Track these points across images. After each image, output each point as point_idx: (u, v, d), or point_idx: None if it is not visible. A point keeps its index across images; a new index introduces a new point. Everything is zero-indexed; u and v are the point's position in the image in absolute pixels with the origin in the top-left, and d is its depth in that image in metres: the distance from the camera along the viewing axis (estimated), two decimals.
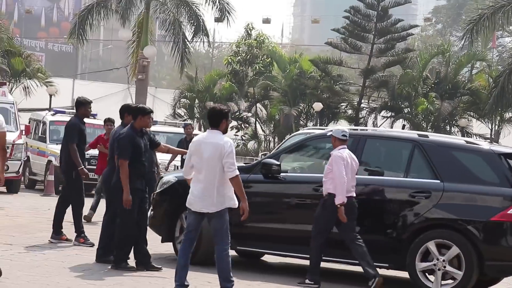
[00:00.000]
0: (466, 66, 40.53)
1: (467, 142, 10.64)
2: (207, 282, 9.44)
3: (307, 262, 10.26)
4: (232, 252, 11.31)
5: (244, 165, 12.32)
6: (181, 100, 40.51)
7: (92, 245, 11.50)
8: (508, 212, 9.61)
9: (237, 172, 8.43)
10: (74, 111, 12.47)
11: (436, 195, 9.96)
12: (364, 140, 10.79)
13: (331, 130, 10.61)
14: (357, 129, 12.70)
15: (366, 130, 12.11)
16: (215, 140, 8.54)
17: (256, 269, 10.88)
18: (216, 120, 8.68)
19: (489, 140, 13.27)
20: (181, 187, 10.05)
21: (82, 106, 12.00)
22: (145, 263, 10.09)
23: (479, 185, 9.88)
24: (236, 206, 8.58)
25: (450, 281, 9.83)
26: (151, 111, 10.50)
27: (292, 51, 51.87)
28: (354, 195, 10.01)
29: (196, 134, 15.13)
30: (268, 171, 10.73)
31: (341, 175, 9.81)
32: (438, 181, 10.05)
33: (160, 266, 10.08)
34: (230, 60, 42.21)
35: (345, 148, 10.12)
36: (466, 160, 10.13)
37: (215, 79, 41.19)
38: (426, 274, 9.87)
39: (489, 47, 45.11)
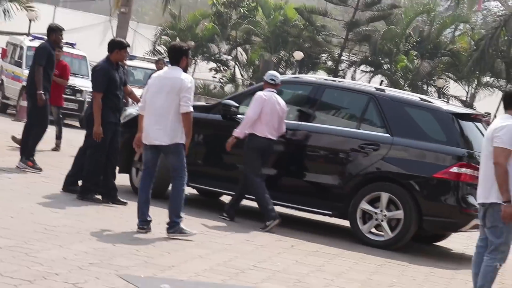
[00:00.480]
0: (449, 27, 40.44)
1: (421, 99, 10.69)
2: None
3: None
4: (191, 190, 11.51)
5: (205, 104, 12.38)
6: (162, 37, 40.23)
7: (40, 169, 11.57)
8: (451, 170, 9.72)
9: (191, 109, 8.48)
10: None
11: (384, 148, 10.05)
12: (322, 89, 10.85)
13: (298, 76, 10.76)
14: (316, 78, 12.73)
15: (326, 79, 12.10)
16: (174, 75, 8.57)
17: (213, 208, 10.97)
18: (176, 57, 8.70)
19: (445, 100, 13.32)
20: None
21: (53, 33, 11.97)
22: (111, 196, 10.11)
23: (427, 142, 9.96)
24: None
25: (381, 234, 9.99)
26: (128, 45, 10.51)
27: None
28: (273, 138, 10.18)
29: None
30: (227, 111, 10.78)
31: (251, 113, 10.07)
32: (388, 135, 10.13)
33: (125, 201, 10.09)
34: (215, 1, 41.84)
35: (272, 91, 10.26)
36: (418, 116, 10.21)
37: (198, 19, 40.89)
38: (364, 220, 10.00)
39: (475, 9, 44.89)
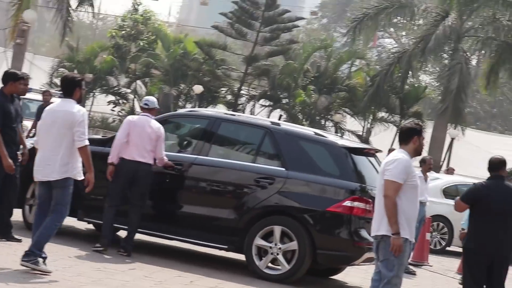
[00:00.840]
0: (346, 63, 41.37)
1: (315, 133, 10.87)
2: (67, 257, 9.38)
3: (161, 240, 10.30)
4: (84, 225, 11.34)
5: (101, 137, 12.29)
6: (60, 69, 39.67)
7: None
8: (344, 204, 9.91)
9: (87, 142, 8.37)
10: None
11: (280, 182, 10.18)
12: (219, 123, 10.93)
13: (195, 110, 10.90)
14: (213, 112, 12.82)
15: (222, 113, 12.21)
16: (66, 108, 8.43)
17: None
18: (69, 88, 8.56)
19: (339, 134, 13.61)
20: (35, 154, 9.90)
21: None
22: (5, 233, 9.86)
23: (321, 176, 10.15)
24: (82, 178, 8.51)
25: (278, 267, 10.10)
26: (22, 77, 10.11)
27: (178, 31, 51.72)
28: (144, 161, 10.30)
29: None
30: None
31: (117, 137, 10.38)
32: (283, 169, 10.28)
33: (20, 238, 9.83)
34: (114, 33, 41.63)
35: (145, 115, 10.55)
36: (312, 151, 10.39)
37: (96, 51, 40.57)
38: (260, 255, 10.08)
39: (370, 46, 46.21)
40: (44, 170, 8.41)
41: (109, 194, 10.34)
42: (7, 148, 9.81)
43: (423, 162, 13.90)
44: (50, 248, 9.54)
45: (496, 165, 8.78)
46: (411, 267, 13.23)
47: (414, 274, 13.20)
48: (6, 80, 9.98)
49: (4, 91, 9.94)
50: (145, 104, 10.67)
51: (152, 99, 10.80)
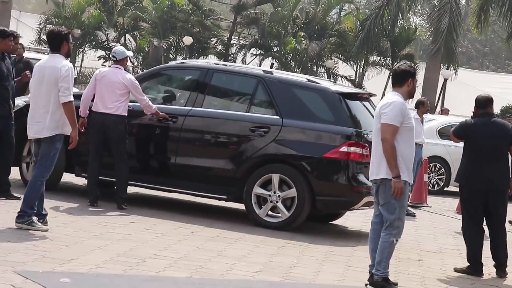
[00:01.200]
0: (335, 8, 41.16)
1: (308, 80, 10.82)
2: (68, 213, 9.41)
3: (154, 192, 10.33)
4: (83, 180, 11.37)
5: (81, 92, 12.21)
6: (47, 26, 39.37)
7: None
8: (340, 149, 9.92)
9: (71, 98, 8.24)
10: None
11: (275, 130, 10.18)
12: (211, 73, 10.88)
13: (185, 61, 10.85)
14: (205, 62, 12.76)
15: (214, 63, 12.14)
16: (52, 64, 8.33)
17: (110, 199, 10.84)
18: (56, 43, 8.44)
19: (332, 80, 13.57)
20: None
21: None
22: (4, 191, 9.86)
23: (316, 123, 10.14)
24: (69, 133, 8.47)
25: (278, 215, 10.16)
26: (12, 34, 10.11)
27: None
28: (107, 111, 10.16)
29: (30, 58, 14.91)
30: None
31: (85, 91, 10.41)
32: (278, 117, 10.26)
33: (19, 196, 9.78)
34: None
35: (116, 67, 10.38)
36: (306, 97, 10.36)
37: (83, 6, 40.23)
38: (259, 204, 10.13)
39: None
40: (35, 127, 8.37)
41: (89, 148, 10.34)
42: (1, 106, 9.77)
43: (420, 104, 13.90)
44: (50, 205, 9.62)
45: (483, 102, 8.94)
46: (410, 209, 13.31)
47: (414, 216, 13.30)
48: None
49: None
50: (113, 56, 10.57)
51: (120, 50, 10.65)
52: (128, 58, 10.66)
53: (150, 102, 10.40)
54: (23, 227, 8.14)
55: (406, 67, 7.54)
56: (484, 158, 8.70)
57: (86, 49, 40.82)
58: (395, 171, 7.20)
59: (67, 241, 7.84)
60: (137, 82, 10.40)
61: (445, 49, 30.81)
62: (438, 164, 17.85)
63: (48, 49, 8.71)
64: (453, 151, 16.82)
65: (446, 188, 18.03)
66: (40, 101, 8.36)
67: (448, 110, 23.85)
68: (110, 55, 10.53)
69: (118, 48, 10.87)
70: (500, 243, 8.81)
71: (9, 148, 10.05)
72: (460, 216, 12.97)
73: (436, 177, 17.95)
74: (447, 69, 33.82)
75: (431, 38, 34.19)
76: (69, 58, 8.60)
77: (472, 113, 9.57)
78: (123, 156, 10.30)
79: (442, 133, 18.12)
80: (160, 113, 10.46)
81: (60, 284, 6.17)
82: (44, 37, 38.49)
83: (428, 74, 33.77)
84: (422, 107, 13.87)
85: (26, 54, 21.09)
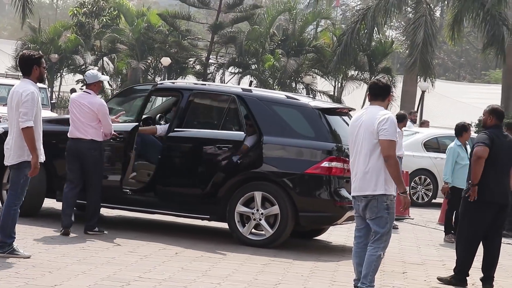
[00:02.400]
0: (311, 24, 41.35)
1: (287, 97, 10.85)
2: (50, 238, 9.34)
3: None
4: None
5: (60, 117, 12.19)
6: (24, 51, 39.26)
7: None
8: (322, 165, 9.94)
9: (28, 124, 8.01)
10: None
11: (256, 148, 10.18)
12: (189, 94, 10.86)
13: (157, 84, 10.92)
14: (183, 83, 12.77)
15: (193, 83, 12.16)
16: (17, 89, 8.18)
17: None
18: (26, 67, 8.24)
19: (311, 96, 13.63)
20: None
21: None
22: None
23: (296, 139, 10.15)
24: (44, 159, 8.35)
25: (262, 233, 10.16)
26: None
27: (140, 4, 51.27)
28: (82, 137, 9.92)
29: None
30: None
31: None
32: (258, 135, 10.26)
33: None
34: (75, 11, 41.24)
35: (85, 92, 10.17)
36: (286, 114, 10.38)
37: (59, 30, 40.22)
38: (243, 222, 10.12)
39: (334, 5, 46.17)
40: (6, 154, 8.29)
41: (66, 175, 10.14)
42: None
43: (403, 117, 14.01)
44: (31, 231, 9.60)
45: (502, 115, 8.86)
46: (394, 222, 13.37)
47: (397, 228, 13.34)
48: None
49: None
50: (85, 79, 10.45)
51: (91, 74, 10.37)
52: (100, 83, 10.34)
53: (111, 130, 10.17)
54: (5, 256, 8.07)
55: (387, 81, 7.53)
56: (502, 171, 8.66)
57: (64, 73, 40.74)
58: (402, 187, 7.19)
59: (50, 267, 7.79)
60: (105, 107, 10.10)
61: (421, 61, 31.00)
62: (424, 177, 17.92)
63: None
64: (439, 163, 16.89)
65: (434, 200, 18.09)
66: (11, 127, 8.31)
67: (428, 122, 23.98)
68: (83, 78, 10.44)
69: (91, 72, 10.61)
70: (496, 257, 8.80)
71: None
72: (442, 227, 13.09)
73: (423, 190, 18.01)
74: (424, 81, 34.02)
75: (407, 51, 34.42)
76: (46, 83, 8.54)
77: (478, 123, 9.54)
78: (95, 184, 10.03)
79: (428, 146, 18.23)
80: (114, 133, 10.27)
81: None
82: None
83: (405, 87, 33.96)
84: (405, 120, 14.03)
85: (3, 81, 21.03)
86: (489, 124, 8.83)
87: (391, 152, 7.14)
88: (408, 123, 22.90)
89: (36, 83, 8.29)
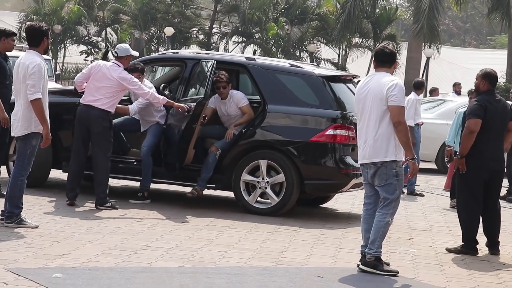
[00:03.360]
0: None
1: (291, 65, 10.82)
2: (58, 209, 9.39)
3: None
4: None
5: (65, 88, 12.15)
6: (27, 23, 39.16)
7: None
8: (327, 132, 9.95)
9: (37, 96, 8.03)
10: None
11: (260, 117, 10.19)
12: (193, 63, 10.82)
13: (165, 53, 10.81)
14: (186, 52, 12.74)
15: (198, 53, 12.12)
16: (23, 61, 8.19)
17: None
18: (36, 39, 8.25)
19: (315, 64, 13.58)
20: None
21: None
22: None
23: (301, 107, 10.15)
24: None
25: (268, 201, 10.19)
26: (14, 33, 9.99)
27: None
28: (93, 104, 9.76)
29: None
30: None
31: (78, 76, 10.09)
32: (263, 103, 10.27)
33: (4, 193, 9.74)
34: None
35: (114, 63, 9.94)
36: (290, 82, 10.35)
37: (62, 1, 40.10)
38: (248, 191, 10.16)
39: None
40: (13, 125, 8.32)
41: (73, 142, 10.03)
42: None
43: (421, 85, 14.00)
44: (38, 201, 9.65)
45: (495, 79, 8.74)
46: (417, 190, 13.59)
47: (423, 196, 13.45)
48: (2, 36, 9.70)
49: None
50: (115, 52, 10.22)
51: (123, 47, 10.23)
52: (131, 57, 10.13)
53: (156, 94, 10.10)
54: (13, 226, 8.13)
55: (392, 47, 7.50)
56: (496, 136, 8.58)
57: (67, 44, 40.67)
58: (411, 152, 7.20)
59: (58, 237, 7.84)
60: (135, 79, 9.94)
61: (427, 27, 30.88)
62: None
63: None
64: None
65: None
66: (17, 99, 8.32)
67: (438, 89, 23.80)
68: (114, 50, 10.22)
69: (123, 45, 10.38)
70: (497, 222, 8.79)
71: (3, 149, 9.99)
72: (448, 194, 13.11)
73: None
74: (429, 47, 33.89)
75: (412, 18, 34.23)
76: (50, 54, 8.51)
77: (472, 90, 9.35)
78: (102, 158, 9.85)
79: None
80: (177, 104, 10.11)
81: (52, 280, 6.17)
82: (24, 34, 38.31)
83: (410, 53, 33.83)
84: (423, 87, 14.04)
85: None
86: (482, 89, 8.67)
87: (401, 118, 7.14)
88: (452, 93, 22.83)
89: (42, 55, 8.31)
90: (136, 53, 10.55)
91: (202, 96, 10.16)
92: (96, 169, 9.88)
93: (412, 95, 13.68)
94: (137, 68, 10.38)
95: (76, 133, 10.01)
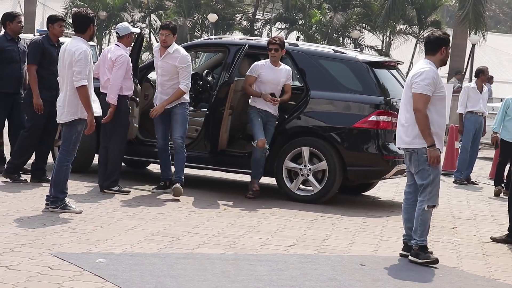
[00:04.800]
0: None
1: (334, 51, 10.75)
2: (101, 194, 9.48)
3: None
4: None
5: None
6: (73, 9, 39.48)
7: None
8: (370, 119, 9.88)
9: (83, 83, 8.10)
10: None
11: (303, 103, 10.14)
12: (237, 49, 10.80)
13: (209, 38, 10.78)
14: (229, 38, 12.72)
15: (241, 39, 12.11)
16: (69, 47, 8.24)
17: (142, 179, 10.89)
18: (82, 25, 8.31)
19: (358, 50, 13.45)
20: None
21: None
22: (39, 175, 9.91)
23: (344, 93, 10.08)
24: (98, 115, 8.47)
25: (310, 189, 10.15)
26: (62, 19, 9.99)
27: None
28: (103, 91, 9.69)
29: None
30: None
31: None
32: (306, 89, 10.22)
33: (49, 178, 9.85)
34: None
35: (116, 44, 9.89)
36: (333, 68, 10.29)
37: None
38: (291, 177, 10.14)
39: None
40: (58, 112, 8.38)
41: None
42: (47, 92, 9.68)
43: (480, 72, 13.75)
44: (82, 186, 9.71)
45: None
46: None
47: (465, 184, 13.40)
48: (49, 22, 9.84)
49: (49, 34, 9.79)
50: (116, 32, 10.07)
51: (122, 26, 9.99)
52: (132, 35, 9.97)
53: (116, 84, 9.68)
54: (57, 211, 8.22)
55: (439, 34, 7.42)
56: None
57: (112, 30, 40.90)
58: (429, 140, 7.13)
59: (101, 222, 7.91)
60: (119, 60, 9.59)
61: (473, 14, 30.46)
62: None
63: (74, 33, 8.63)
64: None
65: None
66: (62, 85, 8.38)
67: (493, 77, 23.04)
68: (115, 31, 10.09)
69: (122, 24, 10.14)
70: None
71: (51, 135, 10.10)
72: (492, 182, 12.96)
73: None
74: (475, 34, 33.43)
75: (457, 4, 33.80)
76: (95, 40, 8.53)
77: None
78: (115, 142, 9.74)
79: None
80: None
81: (96, 265, 6.22)
82: (70, 21, 38.61)
83: (455, 40, 33.40)
84: (482, 76, 13.74)
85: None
86: None
87: (419, 106, 7.13)
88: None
89: (88, 41, 8.37)
90: (136, 30, 10.32)
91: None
92: (109, 154, 9.79)
93: (472, 83, 13.66)
94: (167, 26, 9.90)
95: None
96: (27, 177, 9.93)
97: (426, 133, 7.13)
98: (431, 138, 7.13)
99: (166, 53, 9.73)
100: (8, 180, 9.80)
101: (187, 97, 9.84)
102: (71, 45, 8.28)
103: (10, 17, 10.33)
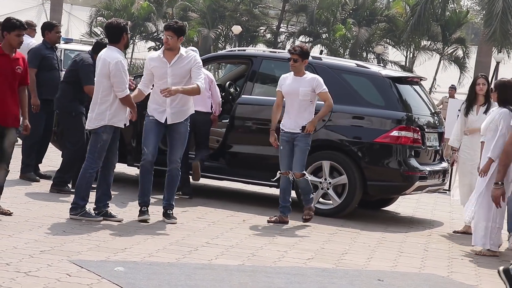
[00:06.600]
0: None
1: (357, 65, 10.75)
2: (121, 203, 9.50)
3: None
4: (135, 170, 11.46)
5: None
6: (98, 18, 39.84)
7: None
8: (391, 134, 9.86)
9: (127, 92, 8.24)
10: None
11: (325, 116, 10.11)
12: (260, 61, 10.87)
13: (233, 50, 10.80)
14: (253, 50, 12.77)
15: (263, 51, 12.14)
16: (104, 57, 8.33)
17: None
18: (116, 35, 8.35)
19: (382, 65, 13.43)
20: None
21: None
22: (60, 184, 9.91)
23: (366, 108, 10.07)
24: (122, 126, 8.51)
25: (329, 202, 10.13)
26: (56, 25, 10.59)
27: None
28: None
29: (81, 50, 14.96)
30: None
31: None
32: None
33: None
34: None
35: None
36: (356, 82, 10.29)
37: None
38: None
39: None
40: (88, 118, 8.48)
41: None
42: (47, 92, 10.22)
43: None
44: None
45: None
46: None
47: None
48: (46, 29, 10.42)
49: (46, 40, 10.41)
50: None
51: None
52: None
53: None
54: (77, 218, 8.25)
55: None
56: None
57: (136, 40, 41.17)
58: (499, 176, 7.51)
59: (120, 231, 7.93)
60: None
61: (500, 32, 30.35)
62: None
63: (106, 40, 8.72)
64: None
65: None
66: (94, 93, 8.46)
67: None
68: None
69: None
70: None
71: (49, 132, 10.60)
72: None
73: None
74: (499, 51, 33.28)
75: (483, 22, 33.69)
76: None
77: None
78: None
79: None
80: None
81: (114, 273, 6.24)
82: (95, 29, 38.93)
83: (480, 57, 33.31)
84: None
85: (78, 47, 21.35)
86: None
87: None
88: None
89: (123, 50, 8.40)
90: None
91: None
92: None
93: None
94: (171, 26, 8.92)
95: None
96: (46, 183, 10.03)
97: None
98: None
99: (177, 58, 8.63)
100: (29, 184, 9.90)
101: (192, 109, 8.94)
102: (106, 55, 8.36)
103: (49, 26, 10.72)
